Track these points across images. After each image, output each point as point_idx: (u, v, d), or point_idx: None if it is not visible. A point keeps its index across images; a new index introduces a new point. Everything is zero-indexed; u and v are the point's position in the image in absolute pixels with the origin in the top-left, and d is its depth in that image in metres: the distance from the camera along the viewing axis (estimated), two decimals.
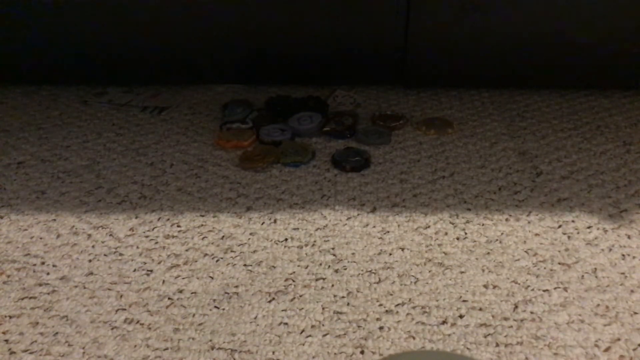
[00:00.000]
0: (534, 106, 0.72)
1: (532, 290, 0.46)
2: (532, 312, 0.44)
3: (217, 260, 0.50)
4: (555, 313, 0.44)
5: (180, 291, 0.47)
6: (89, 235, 0.53)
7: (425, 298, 0.46)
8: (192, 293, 0.47)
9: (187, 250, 0.51)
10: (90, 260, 0.50)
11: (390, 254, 0.50)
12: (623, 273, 0.48)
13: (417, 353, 0.38)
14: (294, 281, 0.47)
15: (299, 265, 0.49)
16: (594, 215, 0.54)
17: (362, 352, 0.41)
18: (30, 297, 0.46)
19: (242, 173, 0.60)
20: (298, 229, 0.53)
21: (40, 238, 0.52)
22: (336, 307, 0.45)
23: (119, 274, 0.48)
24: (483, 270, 0.48)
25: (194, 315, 0.45)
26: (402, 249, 0.50)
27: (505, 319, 0.44)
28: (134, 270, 0.49)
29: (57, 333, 0.43)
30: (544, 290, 0.46)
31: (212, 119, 0.70)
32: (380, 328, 0.43)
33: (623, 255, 0.49)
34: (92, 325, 0.44)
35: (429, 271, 0.48)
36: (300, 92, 0.74)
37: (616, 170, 0.60)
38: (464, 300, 0.45)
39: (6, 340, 0.43)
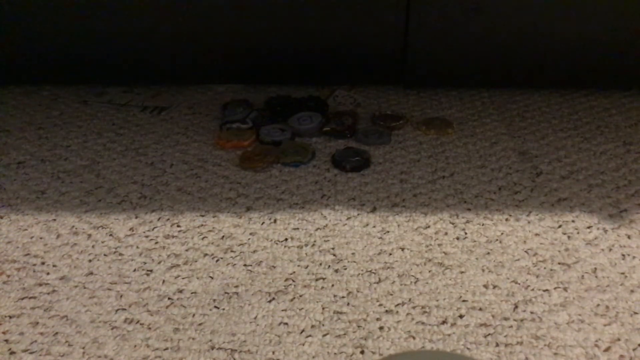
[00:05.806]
0: (534, 106, 0.72)
1: (532, 290, 0.46)
2: (532, 312, 0.44)
3: (217, 260, 0.50)
4: (555, 313, 0.44)
5: (180, 291, 0.47)
6: (89, 235, 0.53)
7: (425, 298, 0.46)
8: (192, 293, 0.47)
9: (187, 250, 0.51)
10: (90, 260, 0.50)
11: (390, 254, 0.50)
12: (623, 273, 0.48)
13: (417, 353, 0.38)
14: (294, 281, 0.47)
15: (299, 265, 0.49)
16: (594, 215, 0.54)
17: (362, 352, 0.41)
18: (30, 297, 0.46)
19: (242, 173, 0.60)
20: (298, 229, 0.53)
21: (40, 238, 0.52)
22: (336, 307, 0.45)
23: (119, 274, 0.48)
24: (483, 270, 0.48)
25: (194, 315, 0.45)
26: (402, 249, 0.50)
27: (505, 319, 0.44)
28: (134, 270, 0.49)
29: (57, 333, 0.43)
30: (544, 290, 0.46)
31: (212, 119, 0.70)
32: (380, 328, 0.43)
33: (623, 255, 0.49)
34: (92, 325, 0.44)
35: (429, 271, 0.48)
36: (300, 92, 0.74)
37: (616, 170, 0.60)
38: (464, 300, 0.45)
39: (6, 340, 0.43)
